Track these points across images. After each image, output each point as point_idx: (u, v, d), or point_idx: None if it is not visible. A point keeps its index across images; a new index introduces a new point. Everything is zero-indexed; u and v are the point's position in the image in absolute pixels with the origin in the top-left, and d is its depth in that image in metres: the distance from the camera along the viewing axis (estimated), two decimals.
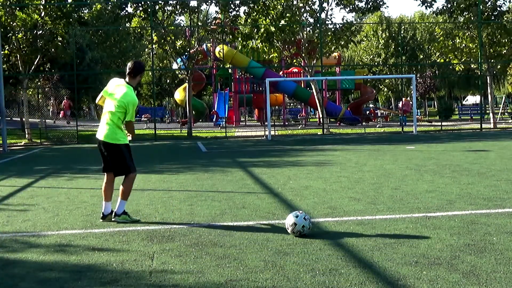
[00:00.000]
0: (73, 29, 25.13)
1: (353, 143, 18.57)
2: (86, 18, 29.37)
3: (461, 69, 30.87)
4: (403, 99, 33.80)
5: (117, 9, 27.78)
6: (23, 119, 26.13)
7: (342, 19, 29.03)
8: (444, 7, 27.40)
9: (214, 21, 27.40)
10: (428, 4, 27.25)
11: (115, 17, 28.73)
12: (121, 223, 6.15)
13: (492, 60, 27.83)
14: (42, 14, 23.65)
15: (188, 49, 25.17)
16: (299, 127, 31.80)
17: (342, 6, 26.84)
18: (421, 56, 48.25)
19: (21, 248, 5.21)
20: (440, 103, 48.93)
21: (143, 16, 25.38)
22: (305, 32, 27.02)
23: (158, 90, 52.40)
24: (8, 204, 7.74)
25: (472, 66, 30.69)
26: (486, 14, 26.78)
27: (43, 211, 7.05)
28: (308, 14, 26.75)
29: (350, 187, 8.43)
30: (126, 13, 26.37)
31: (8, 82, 28.93)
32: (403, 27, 48.82)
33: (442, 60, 32.30)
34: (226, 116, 33.25)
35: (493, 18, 27.13)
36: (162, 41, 24.87)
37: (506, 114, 39.28)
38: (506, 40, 27.15)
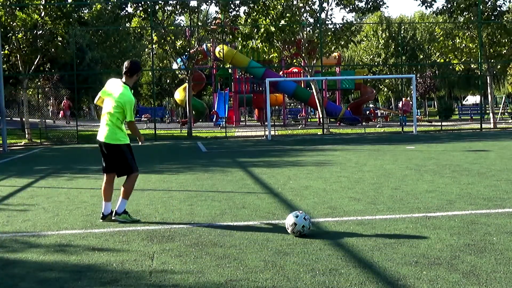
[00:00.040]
0: (73, 29, 25.13)
1: (353, 143, 18.57)
2: (86, 18, 29.36)
3: (461, 69, 30.87)
4: (403, 99, 33.80)
5: (117, 9, 27.78)
6: (23, 119, 26.13)
7: (342, 19, 29.04)
8: (444, 7, 27.40)
9: (214, 21, 27.40)
10: (428, 4, 27.26)
11: (115, 17, 28.73)
12: (121, 223, 6.15)
13: (492, 60, 27.83)
14: (42, 14, 23.65)
15: (188, 49, 25.17)
16: (299, 127, 31.81)
17: (342, 6, 26.84)
18: (421, 56, 48.25)
19: (21, 248, 5.21)
20: (440, 103, 48.94)
21: (143, 16, 25.38)
22: (305, 32, 27.02)
23: (158, 90, 52.41)
24: (8, 204, 7.74)
25: (472, 66, 30.69)
26: (486, 14, 26.78)
27: (43, 211, 7.05)
28: (308, 14, 26.75)
29: (350, 187, 8.43)
30: (126, 13, 26.37)
31: (8, 82, 28.93)
32: (403, 27, 48.82)
33: (442, 60, 32.29)
34: (226, 116, 33.25)
35: (493, 18, 27.13)
36: (162, 41, 24.87)
37: (506, 114, 39.28)
38: (506, 40, 27.15)
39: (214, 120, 35.19)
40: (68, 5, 24.36)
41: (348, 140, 20.47)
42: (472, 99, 65.38)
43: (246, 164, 12.36)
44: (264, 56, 30.28)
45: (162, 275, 4.27)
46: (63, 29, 24.16)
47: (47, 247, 5.22)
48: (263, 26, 25.73)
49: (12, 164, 14.53)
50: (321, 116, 27.85)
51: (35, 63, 23.93)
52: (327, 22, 26.48)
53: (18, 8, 23.54)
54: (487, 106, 37.33)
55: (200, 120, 38.82)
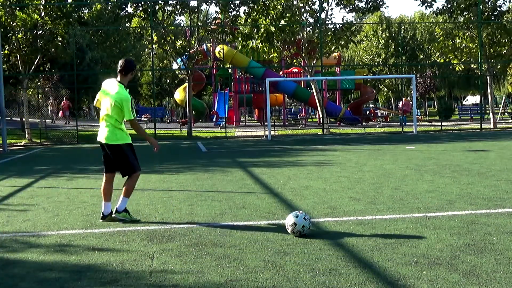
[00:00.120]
0: (73, 29, 25.13)
1: (353, 143, 18.58)
2: (86, 18, 29.35)
3: (461, 69, 30.86)
4: (403, 99, 33.80)
5: (117, 9, 27.77)
6: (23, 119, 26.13)
7: (342, 19, 29.05)
8: (444, 7, 27.40)
9: (214, 21, 27.40)
10: (428, 4, 27.26)
11: (115, 17, 28.71)
12: (121, 222, 6.15)
13: (492, 60, 27.83)
14: (42, 14, 23.65)
15: (188, 49, 25.17)
16: (299, 127, 31.80)
17: (342, 6, 26.84)
18: (421, 56, 48.25)
19: (21, 248, 5.21)
20: (440, 103, 48.94)
21: (143, 16, 25.38)
22: (305, 32, 27.02)
23: (158, 90, 52.40)
24: (8, 204, 7.74)
25: (472, 66, 30.69)
26: (486, 14, 26.78)
27: (43, 211, 7.05)
28: (308, 14, 26.76)
29: (350, 187, 8.43)
30: (126, 13, 26.37)
31: (8, 82, 28.93)
32: (403, 27, 48.82)
33: (442, 60, 32.29)
34: (226, 116, 33.25)
35: (493, 18, 27.13)
36: (162, 41, 24.87)
37: (506, 114, 39.28)
38: (506, 40, 27.15)
39: (214, 120, 35.19)
40: (68, 5, 24.36)
41: (348, 140, 20.47)
42: (472, 99, 65.37)
43: (246, 164, 12.36)
44: (264, 56, 30.29)
45: (162, 275, 4.27)
46: (63, 29, 24.15)
47: (47, 247, 5.22)
48: (263, 26, 25.73)
49: (12, 164, 14.53)
50: (321, 116, 27.85)
51: (35, 63, 23.93)
52: (327, 22, 26.48)
53: (18, 8, 23.54)
54: (487, 106, 37.33)
55: (200, 120, 38.83)
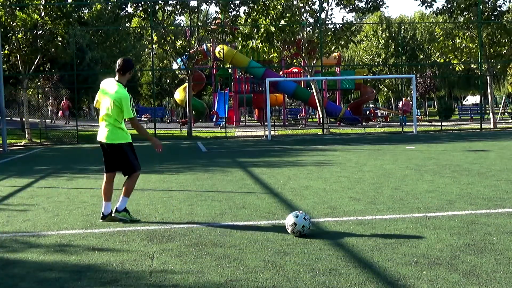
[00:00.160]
0: (73, 29, 25.13)
1: (353, 143, 18.58)
2: (86, 18, 29.36)
3: (461, 69, 30.86)
4: (403, 99, 33.80)
5: (117, 9, 27.78)
6: (23, 119, 26.13)
7: (342, 19, 29.05)
8: (444, 7, 27.39)
9: (214, 21, 27.40)
10: (428, 4, 27.26)
11: (115, 17, 28.73)
12: (121, 221, 6.15)
13: (492, 60, 27.82)
14: (42, 14, 23.65)
15: (188, 49, 25.18)
16: (299, 127, 31.81)
17: (342, 6, 26.84)
18: (421, 56, 48.25)
19: (21, 248, 5.21)
20: (440, 103, 48.94)
21: (143, 16, 25.39)
22: (305, 32, 27.02)
23: (158, 90, 52.40)
24: (8, 204, 7.74)
25: (472, 66, 30.69)
26: (486, 14, 26.78)
27: (43, 211, 7.05)
28: (308, 14, 26.76)
29: (350, 187, 8.43)
30: (126, 13, 26.38)
31: (8, 82, 28.93)
32: (403, 27, 48.82)
33: (442, 60, 32.29)
34: (226, 116, 33.25)
35: (493, 18, 27.13)
36: (162, 41, 24.87)
37: (506, 114, 39.28)
38: (506, 40, 27.15)
39: (214, 120, 35.19)
40: (68, 5, 24.36)
41: (348, 140, 20.47)
42: (472, 99, 65.37)
43: (246, 164, 12.36)
44: (264, 56, 30.28)
45: (162, 275, 4.27)
46: (63, 29, 24.15)
47: (47, 247, 5.22)
48: (263, 26, 25.73)
49: (12, 164, 14.53)
50: (321, 116, 27.85)
51: (35, 63, 23.93)
52: (327, 22, 26.48)
53: (18, 8, 23.54)
54: (487, 106, 37.32)
55: (200, 120, 38.83)
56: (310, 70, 27.82)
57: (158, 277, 4.22)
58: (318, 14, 26.18)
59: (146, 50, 42.72)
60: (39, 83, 38.55)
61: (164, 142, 21.58)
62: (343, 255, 4.66)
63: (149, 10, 24.49)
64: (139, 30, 30.47)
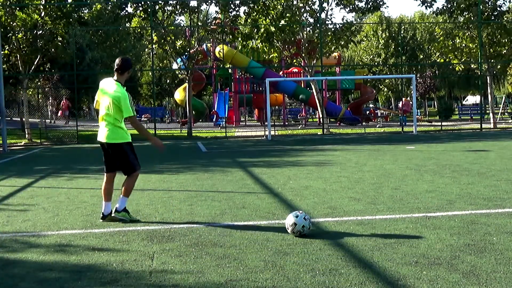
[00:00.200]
0: (73, 29, 25.13)
1: (353, 143, 18.58)
2: (86, 18, 29.36)
3: (461, 69, 30.86)
4: (403, 99, 33.80)
5: (117, 9, 27.78)
6: (23, 119, 26.13)
7: (342, 19, 29.04)
8: (444, 7, 27.39)
9: (214, 21, 27.40)
10: (428, 4, 27.26)
11: (115, 17, 28.72)
12: (121, 221, 6.15)
13: (492, 60, 27.82)
14: (42, 14, 23.65)
15: (188, 49, 25.17)
16: (299, 127, 31.81)
17: (342, 6, 26.84)
18: (421, 56, 48.25)
19: (21, 248, 5.21)
20: (440, 103, 48.94)
21: (143, 16, 25.38)
22: (305, 32, 27.02)
23: (158, 90, 52.39)
24: (8, 204, 7.74)
25: (472, 66, 30.69)
26: (486, 14, 26.78)
27: (43, 211, 7.05)
28: (308, 14, 26.76)
29: (350, 187, 8.43)
30: (126, 13, 26.37)
31: (8, 82, 28.92)
32: (403, 27, 48.82)
33: (442, 60, 32.29)
34: (226, 116, 33.25)
35: (493, 18, 27.13)
36: (162, 41, 24.87)
37: (506, 114, 39.28)
38: (506, 40, 27.15)
39: (214, 120, 35.19)
40: (68, 5, 24.36)
41: (348, 140, 20.47)
42: (472, 99, 65.37)
43: (246, 164, 12.36)
44: (264, 56, 30.28)
45: (162, 275, 4.27)
46: (63, 29, 24.15)
47: (47, 247, 5.22)
48: (263, 26, 25.73)
49: (12, 164, 14.53)
50: (321, 116, 27.85)
51: (35, 63, 23.92)
52: (327, 22, 26.48)
53: (18, 8, 23.53)
54: (487, 106, 37.33)
55: (200, 120, 38.82)
56: (310, 70, 27.82)
57: (158, 277, 4.22)
58: (318, 14, 26.18)
59: (146, 50, 42.73)
60: (39, 83, 38.56)
61: (164, 142, 21.49)
62: (343, 255, 4.66)
63: (149, 10, 24.49)
64: (139, 30, 30.48)
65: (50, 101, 39.31)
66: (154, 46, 25.57)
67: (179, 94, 37.56)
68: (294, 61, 30.25)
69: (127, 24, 29.67)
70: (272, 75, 33.06)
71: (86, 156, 16.55)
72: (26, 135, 23.80)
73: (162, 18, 25.61)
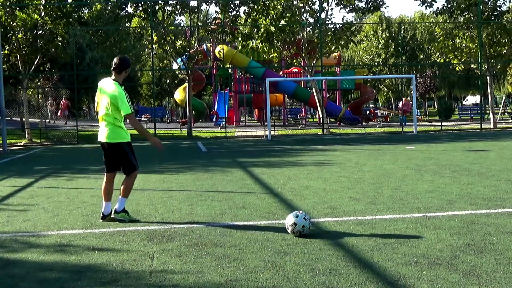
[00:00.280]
0: (73, 29, 25.13)
1: (353, 143, 18.58)
2: (86, 18, 29.36)
3: (461, 69, 30.87)
4: (403, 99, 33.80)
5: (117, 9, 27.78)
6: (23, 119, 26.13)
7: (342, 19, 29.04)
8: (444, 7, 27.40)
9: (214, 21, 27.40)
10: (428, 4, 27.26)
11: (115, 17, 28.72)
12: (121, 222, 6.15)
13: (492, 60, 27.83)
14: (42, 14, 23.65)
15: (188, 49, 25.18)
16: (299, 127, 31.81)
17: (342, 6, 26.84)
18: (421, 56, 48.25)
19: (21, 248, 5.21)
20: (440, 103, 48.94)
21: (143, 16, 25.38)
22: (305, 32, 27.02)
23: (158, 90, 52.39)
24: (8, 204, 7.74)
25: (472, 66, 30.69)
26: (486, 14, 26.78)
27: (43, 211, 7.05)
28: (308, 14, 26.76)
29: (350, 187, 8.43)
30: (126, 13, 26.37)
31: (8, 82, 28.93)
32: (403, 27, 48.82)
33: (442, 60, 32.30)
34: (226, 116, 33.25)
35: (493, 18, 27.13)
36: (162, 41, 24.87)
37: (506, 114, 39.29)
38: (506, 40, 27.15)
39: (214, 120, 35.19)
40: (68, 5, 24.36)
41: (348, 140, 20.47)
42: (472, 99, 65.37)
43: (246, 164, 12.36)
44: (264, 56, 30.28)
45: (162, 275, 4.27)
46: (63, 29, 24.15)
47: (47, 247, 5.22)
48: (263, 26, 25.73)
49: (12, 164, 14.53)
50: (321, 116, 27.85)
51: (35, 63, 23.92)
52: (327, 22, 26.48)
53: (18, 8, 23.53)
54: (487, 106, 37.33)
55: (200, 120, 38.82)
56: (310, 70, 27.82)
57: (158, 277, 4.22)
58: (318, 14, 26.18)
59: (146, 50, 42.72)
60: (39, 83, 38.55)
61: (164, 142, 21.50)
62: (343, 255, 4.66)
63: (149, 10, 24.49)
64: (139, 30, 30.47)
65: (50, 101, 39.29)
66: (154, 46, 25.57)
67: (179, 94, 37.56)
68: (294, 61, 30.25)
69: (127, 24, 29.67)
70: (272, 75, 33.06)
71: (86, 156, 16.54)
72: (26, 135, 23.80)
73: (162, 18, 25.62)
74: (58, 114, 39.34)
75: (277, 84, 32.13)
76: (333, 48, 27.26)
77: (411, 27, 51.17)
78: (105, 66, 42.21)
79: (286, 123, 36.33)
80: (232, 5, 25.32)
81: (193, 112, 31.31)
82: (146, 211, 6.87)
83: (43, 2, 23.59)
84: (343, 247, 4.93)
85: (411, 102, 31.38)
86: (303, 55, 27.23)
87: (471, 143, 17.12)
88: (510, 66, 38.39)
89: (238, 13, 25.59)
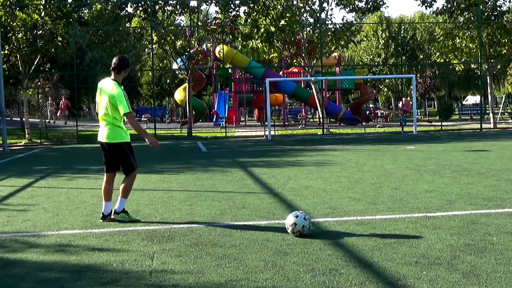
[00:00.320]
0: (73, 29, 25.13)
1: (353, 143, 18.58)
2: (86, 18, 29.36)
3: (461, 69, 30.87)
4: (403, 99, 33.80)
5: (117, 9, 27.77)
6: (23, 119, 26.13)
7: (342, 19, 29.04)
8: (444, 7, 27.40)
9: (214, 21, 27.40)
10: (428, 4, 27.26)
11: (115, 17, 28.72)
12: (121, 223, 6.15)
13: (492, 60, 27.83)
14: (42, 14, 23.65)
15: (188, 49, 25.18)
16: (299, 127, 31.81)
17: (342, 6, 26.84)
18: (421, 56, 48.25)
19: (21, 248, 5.21)
20: (440, 103, 48.93)
21: (143, 16, 25.39)
22: (305, 32, 27.02)
23: (158, 90, 52.39)
24: (8, 204, 7.74)
25: (472, 66, 30.70)
26: (486, 14, 26.78)
27: (43, 211, 7.05)
28: (308, 14, 26.76)
29: (350, 187, 8.43)
30: (126, 13, 26.37)
31: (8, 82, 28.94)
32: (403, 27, 48.82)
33: (442, 60, 32.29)
34: (226, 116, 33.25)
35: (493, 18, 27.13)
36: (162, 41, 24.87)
37: (506, 114, 39.28)
38: (506, 40, 27.16)
39: (214, 120, 35.19)
40: (68, 5, 24.36)
41: (348, 140, 20.47)
42: (472, 99, 65.37)
43: (246, 164, 12.36)
44: (264, 56, 30.28)
45: (162, 275, 4.27)
46: (63, 29, 24.15)
47: (47, 247, 5.22)
48: (263, 26, 25.73)
49: (12, 164, 14.53)
50: (321, 116, 27.85)
51: (35, 63, 23.93)
52: (327, 22, 26.48)
53: (18, 8, 23.53)
54: (487, 106, 37.33)
55: (200, 120, 38.82)
56: (310, 70, 27.82)
57: (158, 277, 4.22)
58: (318, 14, 26.18)
59: (146, 50, 42.71)
60: (39, 83, 38.55)
61: (164, 142, 21.60)
62: (343, 255, 4.66)
63: (149, 10, 24.49)
64: (139, 30, 30.48)
65: (49, 101, 39.28)
66: (154, 46, 25.57)
67: (179, 94, 37.56)
68: (294, 61, 30.25)
69: (127, 24, 29.67)
70: (272, 75, 33.06)
71: (86, 156, 16.54)
72: (26, 135, 23.80)
73: (162, 18, 25.62)
74: (58, 114, 39.34)
75: (277, 84, 32.13)
76: (333, 48, 27.27)
77: (411, 27, 51.17)
78: (105, 66, 42.17)
79: (286, 123, 36.33)
80: (232, 5, 25.32)
81: (193, 112, 31.31)
82: (146, 211, 6.87)
83: (43, 2, 23.59)
84: (343, 247, 4.93)
85: (411, 102, 31.38)
86: (303, 55, 27.23)
87: (471, 143, 17.12)
88: (510, 66, 38.38)
89: (238, 13, 25.60)
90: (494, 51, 27.53)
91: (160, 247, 5.09)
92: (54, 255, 4.92)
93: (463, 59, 28.58)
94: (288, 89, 33.53)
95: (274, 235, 5.43)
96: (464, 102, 66.65)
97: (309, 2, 26.33)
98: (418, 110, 43.48)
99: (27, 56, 23.61)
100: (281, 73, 36.21)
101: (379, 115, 35.65)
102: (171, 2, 25.31)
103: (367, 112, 38.06)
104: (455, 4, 26.87)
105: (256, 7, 25.55)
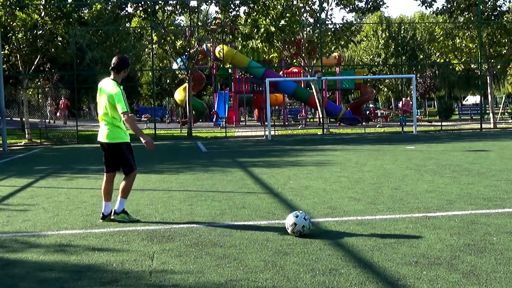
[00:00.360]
0: (73, 29, 25.13)
1: (353, 143, 18.58)
2: (86, 18, 29.37)
3: (461, 69, 30.87)
4: (403, 99, 33.80)
5: (117, 9, 27.77)
6: (23, 119, 26.13)
7: (342, 19, 29.04)
8: (444, 7, 27.40)
9: (214, 21, 27.41)
10: (428, 4, 27.27)
11: (115, 17, 28.73)
12: (121, 223, 6.15)
13: (492, 60, 27.83)
14: (42, 14, 23.65)
15: (188, 49, 25.18)
16: (299, 127, 31.81)
17: (342, 6, 26.85)
18: (421, 56, 48.25)
19: (21, 248, 5.21)
20: (440, 103, 48.94)
21: (143, 16, 25.39)
22: (305, 32, 27.02)
23: (158, 90, 52.40)
24: (8, 204, 7.74)
25: (472, 66, 30.70)
26: (486, 14, 26.78)
27: (43, 211, 7.05)
28: (308, 14, 26.77)
29: (350, 187, 8.43)
30: (126, 13, 26.37)
31: (8, 82, 28.93)
32: (403, 27, 48.82)
33: (442, 60, 32.28)
34: (226, 116, 33.25)
35: (493, 18, 27.13)
36: (162, 41, 24.88)
37: (506, 114, 39.28)
38: (506, 40, 27.16)
39: (214, 120, 35.19)
40: (68, 5, 24.36)
41: (348, 140, 20.47)
42: (472, 99, 65.37)
43: (246, 164, 12.36)
44: (264, 56, 30.28)
45: (162, 275, 4.27)
46: (63, 29, 24.16)
47: (47, 247, 5.22)
48: (263, 26, 25.73)
49: (12, 164, 14.53)
50: (321, 116, 27.85)
51: (35, 63, 23.92)
52: (327, 22, 26.48)
53: (18, 8, 23.54)
54: (487, 106, 37.33)
55: (200, 120, 38.82)
56: (310, 70, 27.82)
57: (158, 277, 4.22)
58: (318, 14, 26.18)
59: (146, 50, 42.71)
60: (39, 83, 38.55)
61: (164, 142, 21.62)
62: (343, 255, 4.66)
63: (149, 10, 24.49)
64: (139, 30, 30.47)
65: (49, 101, 39.28)
66: (154, 46, 25.57)
67: (179, 94, 37.56)
68: (294, 61, 30.24)
69: (127, 24, 29.66)
70: (272, 75, 33.06)
71: (86, 156, 16.54)
72: (26, 135, 23.80)
73: (162, 18, 25.62)
74: (58, 114, 39.34)
75: (277, 84, 32.13)
76: (333, 48, 27.27)
77: (411, 27, 51.18)
78: (105, 66, 42.11)
79: (286, 123, 36.32)
80: (232, 5, 25.33)
81: (193, 112, 31.31)
82: (146, 211, 6.87)
83: (43, 2, 23.59)
84: (343, 247, 4.93)
85: (411, 102, 31.38)
86: (303, 55, 27.23)
87: (471, 143, 17.12)
88: (510, 66, 38.38)
89: (238, 13, 25.60)
90: (494, 51, 27.53)
91: (160, 247, 5.09)
92: (54, 255, 4.92)
93: (463, 59, 28.59)
94: (288, 89, 33.53)
95: (274, 235, 5.43)
96: (464, 102, 66.65)
97: (309, 2, 26.34)
98: (418, 110, 43.48)
99: (27, 56, 23.62)
100: (281, 73, 36.21)
101: (379, 115, 35.65)
102: (171, 2, 25.32)
103: (367, 112, 38.06)
104: (455, 4, 26.87)
105: (256, 7, 25.56)
